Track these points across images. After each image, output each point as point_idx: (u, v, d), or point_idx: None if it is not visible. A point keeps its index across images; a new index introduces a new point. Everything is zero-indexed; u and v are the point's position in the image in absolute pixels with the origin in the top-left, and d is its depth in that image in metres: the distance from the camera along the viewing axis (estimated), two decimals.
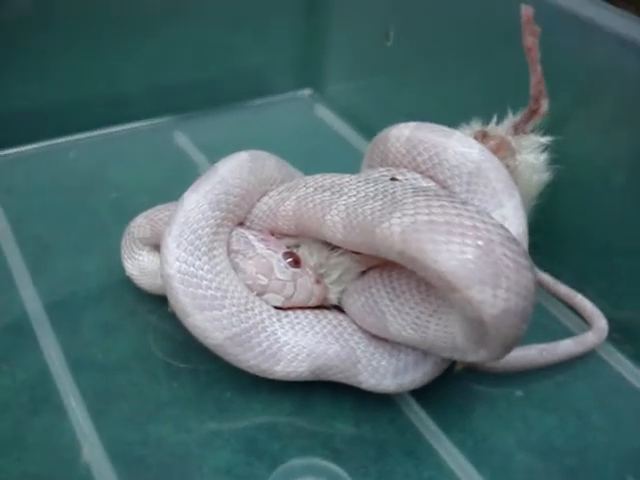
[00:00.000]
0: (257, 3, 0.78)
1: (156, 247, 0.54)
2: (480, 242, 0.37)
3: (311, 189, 0.47)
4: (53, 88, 0.73)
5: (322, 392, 0.51)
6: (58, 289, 0.58)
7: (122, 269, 0.56)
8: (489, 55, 0.64)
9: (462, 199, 0.40)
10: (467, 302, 0.37)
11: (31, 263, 0.60)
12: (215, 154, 0.72)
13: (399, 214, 0.39)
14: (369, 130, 0.75)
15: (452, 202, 0.39)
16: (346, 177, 0.46)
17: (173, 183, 0.67)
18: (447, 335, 0.42)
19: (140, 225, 0.55)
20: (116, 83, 0.75)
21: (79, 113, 0.74)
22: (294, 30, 0.82)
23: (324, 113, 0.83)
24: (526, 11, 0.52)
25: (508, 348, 0.40)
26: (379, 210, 0.41)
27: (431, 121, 0.67)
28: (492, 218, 0.39)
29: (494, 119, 0.55)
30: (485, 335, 0.38)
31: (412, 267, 0.39)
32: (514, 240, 0.38)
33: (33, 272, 0.59)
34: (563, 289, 0.59)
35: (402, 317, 0.44)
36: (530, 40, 0.52)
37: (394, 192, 0.41)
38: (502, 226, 0.39)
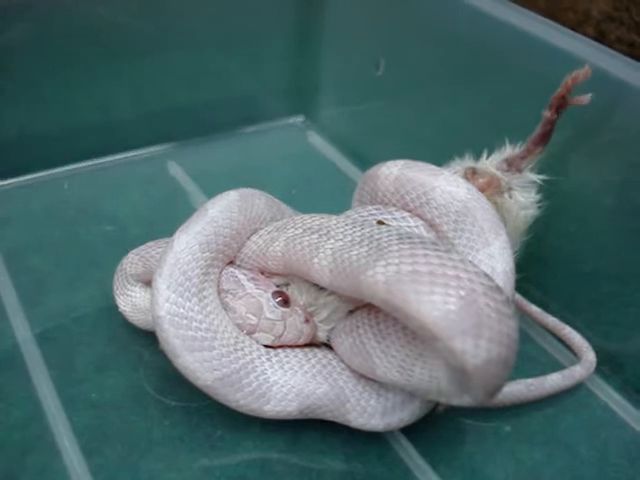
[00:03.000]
0: (249, 31, 0.79)
1: (148, 283, 0.54)
2: (462, 292, 0.38)
3: (300, 230, 0.48)
4: (46, 118, 0.73)
5: (313, 429, 0.51)
6: (51, 323, 0.59)
7: (115, 303, 0.57)
8: (479, 84, 0.64)
9: (446, 247, 0.41)
10: (449, 352, 0.38)
11: (24, 296, 0.61)
12: (208, 183, 0.73)
13: (383, 262, 0.40)
14: (361, 157, 0.77)
15: (436, 251, 0.40)
16: (334, 219, 0.47)
17: (166, 214, 0.69)
18: (432, 379, 0.42)
19: (132, 262, 0.55)
20: (109, 112, 0.76)
21: (73, 143, 0.75)
22: (286, 57, 0.83)
23: (316, 140, 0.84)
24: (569, 79, 0.51)
25: (491, 395, 0.40)
26: (364, 257, 0.41)
27: (422, 148, 0.69)
28: (475, 267, 0.39)
29: (484, 154, 0.56)
30: (468, 382, 0.39)
31: (396, 315, 0.40)
32: (497, 289, 0.39)
33: (26, 306, 0.60)
34: (551, 321, 0.59)
35: (388, 359, 0.44)
36: (557, 104, 0.52)
37: (379, 238, 0.42)
38: (485, 275, 0.39)
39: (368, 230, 0.44)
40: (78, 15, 0.71)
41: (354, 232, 0.44)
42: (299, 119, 0.87)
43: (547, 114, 0.53)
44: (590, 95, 0.51)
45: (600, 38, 0.83)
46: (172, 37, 0.76)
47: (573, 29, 0.83)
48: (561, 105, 0.52)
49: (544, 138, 0.53)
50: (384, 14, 0.73)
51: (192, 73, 0.78)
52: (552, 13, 0.86)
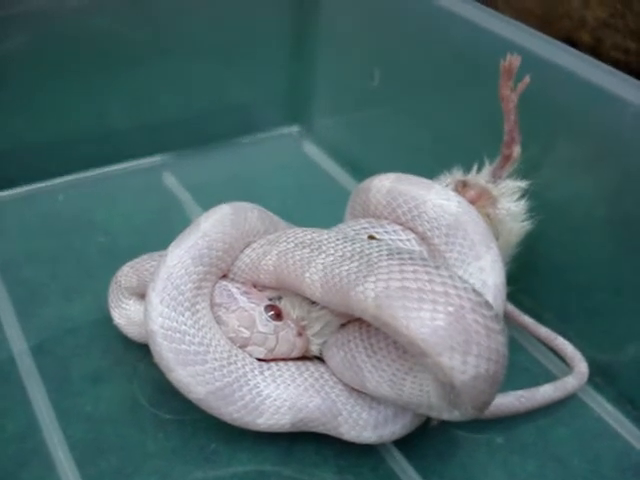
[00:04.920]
0: (244, 41, 0.79)
1: (143, 296, 0.54)
2: (451, 308, 0.38)
3: (292, 245, 0.48)
4: (40, 129, 0.73)
5: (306, 441, 0.52)
6: (46, 336, 0.59)
7: (110, 315, 0.57)
8: (474, 94, 0.64)
9: (435, 263, 0.41)
10: (438, 368, 0.38)
11: (19, 308, 0.61)
12: (203, 194, 0.74)
13: (373, 278, 0.40)
14: (356, 167, 0.77)
15: (425, 267, 0.40)
16: (325, 233, 0.47)
17: (161, 225, 0.69)
18: (422, 394, 0.42)
19: (126, 275, 0.56)
20: (104, 123, 0.76)
21: (67, 155, 0.75)
22: (281, 67, 0.83)
23: (312, 150, 0.84)
24: (506, 63, 0.53)
25: (480, 410, 0.40)
26: (355, 273, 0.41)
27: (418, 158, 0.69)
28: (465, 282, 0.40)
29: (475, 167, 0.56)
30: (457, 397, 0.39)
31: (386, 331, 0.40)
32: (486, 304, 0.39)
33: (21, 318, 0.60)
34: (544, 332, 0.60)
35: (379, 374, 0.45)
36: (505, 91, 0.53)
37: (370, 254, 0.42)
38: (474, 290, 0.40)
39: (359, 245, 0.44)
40: (73, 25, 0.71)
41: (345, 247, 0.44)
42: (294, 129, 0.87)
43: (504, 107, 0.54)
44: (528, 76, 0.53)
45: (595, 45, 0.84)
46: (166, 47, 0.76)
47: (568, 36, 0.84)
48: (510, 96, 0.53)
49: (511, 137, 0.54)
50: (379, 24, 0.73)
51: (187, 83, 0.78)
52: (547, 20, 0.87)
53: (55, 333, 0.59)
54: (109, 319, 0.57)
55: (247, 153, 0.83)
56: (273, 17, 0.80)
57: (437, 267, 0.40)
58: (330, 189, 0.78)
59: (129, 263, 0.56)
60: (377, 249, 0.43)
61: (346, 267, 0.42)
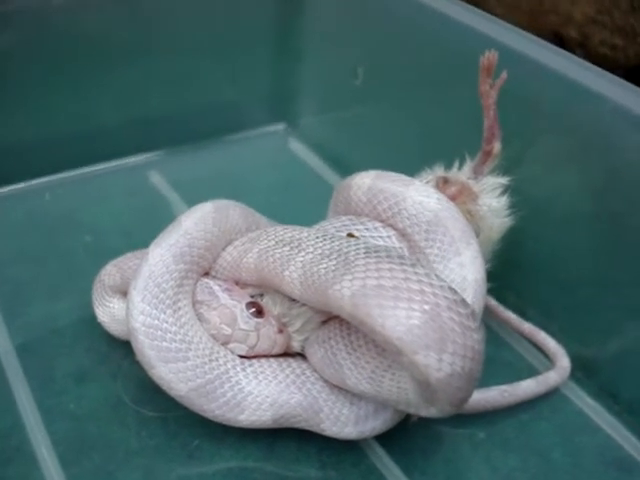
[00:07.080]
0: (230, 39, 0.79)
1: (126, 294, 0.54)
2: (426, 307, 0.38)
3: (272, 242, 0.48)
4: (27, 128, 0.73)
5: (289, 437, 0.52)
6: (31, 334, 0.59)
7: (94, 314, 0.57)
8: (458, 91, 0.65)
9: (412, 261, 0.41)
10: (414, 366, 0.38)
11: (5, 306, 0.61)
12: (190, 192, 0.74)
13: (350, 276, 0.40)
14: (341, 164, 0.78)
15: (401, 265, 0.40)
16: (305, 232, 0.48)
17: (147, 224, 0.69)
18: (400, 391, 0.43)
19: (110, 273, 0.56)
20: (90, 122, 0.76)
21: (54, 153, 0.75)
22: (267, 66, 0.83)
23: (297, 147, 0.84)
24: (485, 59, 0.53)
25: (457, 407, 0.41)
26: (332, 271, 0.42)
27: (402, 155, 0.69)
28: (441, 280, 0.40)
29: (456, 164, 0.56)
30: (433, 395, 0.40)
31: (363, 329, 0.40)
32: (461, 302, 0.39)
33: (6, 316, 0.60)
34: (527, 327, 0.60)
35: (358, 371, 0.45)
36: (485, 87, 0.54)
37: (347, 252, 0.42)
38: (450, 288, 0.40)
39: (337, 243, 0.44)
40: (59, 23, 0.71)
41: (324, 245, 0.45)
42: (280, 127, 0.87)
43: (484, 102, 0.54)
44: (505, 71, 0.53)
45: (583, 41, 0.84)
46: (152, 46, 0.76)
47: (556, 32, 0.84)
48: (489, 92, 0.54)
49: (491, 132, 0.54)
50: (363, 23, 0.73)
51: (173, 82, 0.78)
52: (535, 16, 0.87)
53: (40, 332, 0.59)
54: (94, 318, 0.57)
55: (233, 151, 0.83)
56: (259, 16, 0.80)
57: (413, 265, 0.40)
58: (316, 186, 0.79)
59: (113, 262, 0.57)
60: (355, 247, 0.43)
61: (324, 265, 0.43)
